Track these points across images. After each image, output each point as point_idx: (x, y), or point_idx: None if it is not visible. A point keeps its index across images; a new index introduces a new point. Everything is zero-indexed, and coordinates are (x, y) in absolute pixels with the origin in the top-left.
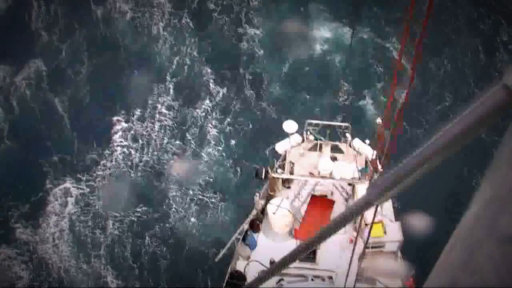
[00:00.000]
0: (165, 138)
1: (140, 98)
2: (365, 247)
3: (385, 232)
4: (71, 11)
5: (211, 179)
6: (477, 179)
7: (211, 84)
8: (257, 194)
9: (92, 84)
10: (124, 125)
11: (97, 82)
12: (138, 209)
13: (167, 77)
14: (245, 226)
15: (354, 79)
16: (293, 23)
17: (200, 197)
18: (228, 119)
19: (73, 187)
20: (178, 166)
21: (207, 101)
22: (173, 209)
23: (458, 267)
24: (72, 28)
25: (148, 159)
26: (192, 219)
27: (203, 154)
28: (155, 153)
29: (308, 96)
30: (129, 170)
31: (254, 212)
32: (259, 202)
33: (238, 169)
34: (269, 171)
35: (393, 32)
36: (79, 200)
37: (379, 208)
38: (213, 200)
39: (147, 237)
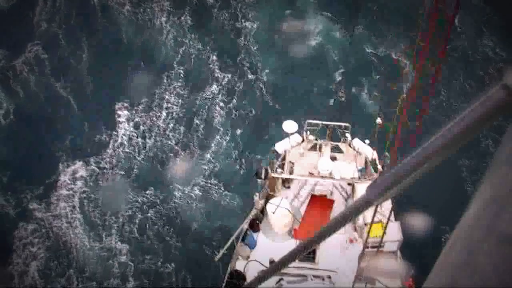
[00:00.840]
0: (170, 124)
1: (144, 86)
2: (364, 247)
3: (384, 232)
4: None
5: (215, 167)
6: (477, 179)
7: (212, 74)
8: (257, 193)
9: (98, 71)
10: (129, 111)
11: (102, 69)
12: (143, 194)
13: (170, 66)
14: (245, 225)
15: (355, 78)
16: (293, 20)
17: (204, 184)
18: (231, 108)
19: (84, 168)
20: (183, 152)
21: (210, 89)
22: (177, 195)
23: (457, 267)
24: (76, 17)
25: (153, 144)
26: (196, 208)
27: (205, 140)
28: (159, 138)
29: (307, 94)
30: (135, 153)
31: (253, 211)
32: (259, 201)
33: (242, 159)
34: (269, 171)
35: (393, 29)
36: (90, 181)
37: (378, 208)
38: (216, 188)
39: (149, 223)
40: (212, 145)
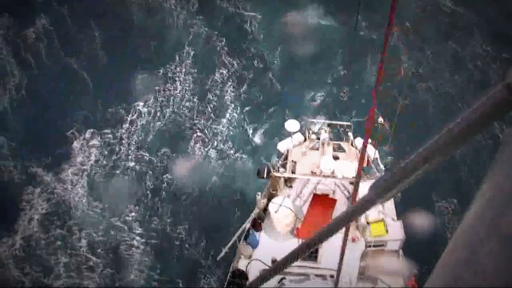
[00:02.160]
0: (176, 104)
1: (155, 64)
2: (344, 244)
3: (387, 231)
4: None
5: (223, 147)
6: (479, 177)
7: (218, 60)
8: (259, 193)
9: (110, 51)
10: (140, 85)
11: (114, 50)
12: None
13: (181, 46)
14: (247, 225)
15: (356, 77)
16: (295, 15)
17: (213, 164)
18: (235, 92)
19: (95, 138)
20: (191, 135)
21: (217, 72)
22: (183, 183)
23: (460, 266)
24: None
25: (163, 119)
26: (198, 195)
27: (216, 113)
28: (164, 116)
29: (307, 93)
30: (143, 127)
31: (256, 211)
32: (261, 201)
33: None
34: (271, 170)
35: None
36: (103, 150)
37: (380, 207)
38: (225, 167)
39: (150, 217)
40: (220, 126)
